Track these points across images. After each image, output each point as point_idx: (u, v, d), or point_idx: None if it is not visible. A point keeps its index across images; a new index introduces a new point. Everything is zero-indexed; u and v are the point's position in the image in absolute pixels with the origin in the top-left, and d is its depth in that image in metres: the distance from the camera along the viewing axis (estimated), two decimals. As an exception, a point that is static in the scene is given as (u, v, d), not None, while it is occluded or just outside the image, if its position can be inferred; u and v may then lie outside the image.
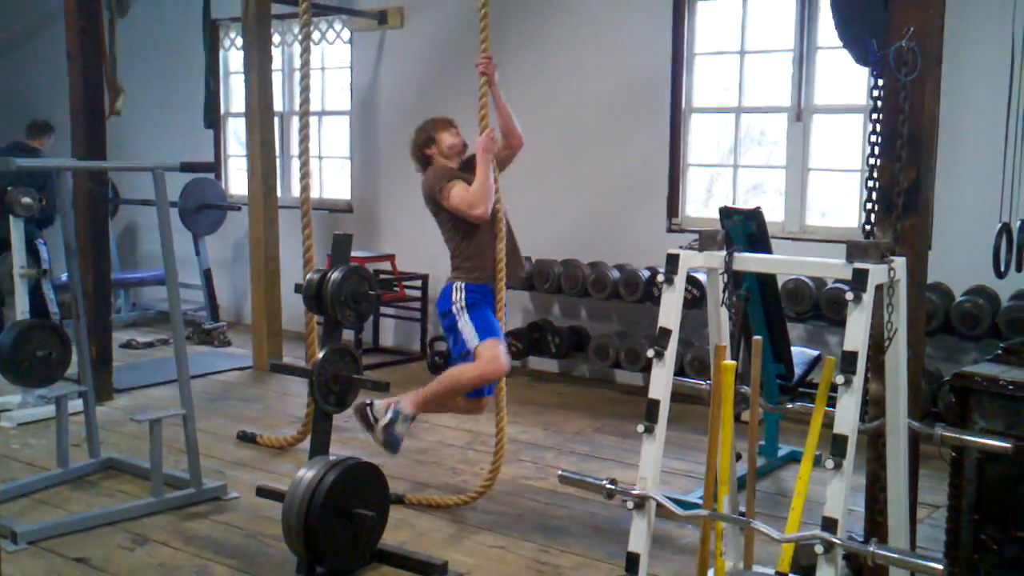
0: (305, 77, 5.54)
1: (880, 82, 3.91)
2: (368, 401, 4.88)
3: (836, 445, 2.85)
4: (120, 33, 7.32)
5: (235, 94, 9.91)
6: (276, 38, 9.10)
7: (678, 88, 7.36)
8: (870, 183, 4.02)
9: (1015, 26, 4.85)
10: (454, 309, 4.93)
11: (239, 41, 9.34)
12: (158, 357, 8.32)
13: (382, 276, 8.35)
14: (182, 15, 9.05)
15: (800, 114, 6.92)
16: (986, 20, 5.99)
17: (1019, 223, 4.75)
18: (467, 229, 4.99)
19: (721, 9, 7.33)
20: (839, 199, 7.09)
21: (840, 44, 4.19)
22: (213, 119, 9.25)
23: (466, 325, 4.88)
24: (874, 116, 3.98)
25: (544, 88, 7.71)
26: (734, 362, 3.39)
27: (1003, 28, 5.30)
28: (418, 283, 8.42)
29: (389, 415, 4.81)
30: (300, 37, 4.94)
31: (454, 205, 4.91)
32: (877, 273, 3.10)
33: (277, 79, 8.83)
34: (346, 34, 9.14)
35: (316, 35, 9.20)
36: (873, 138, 3.96)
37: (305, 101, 5.58)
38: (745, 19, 7.19)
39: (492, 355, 4.82)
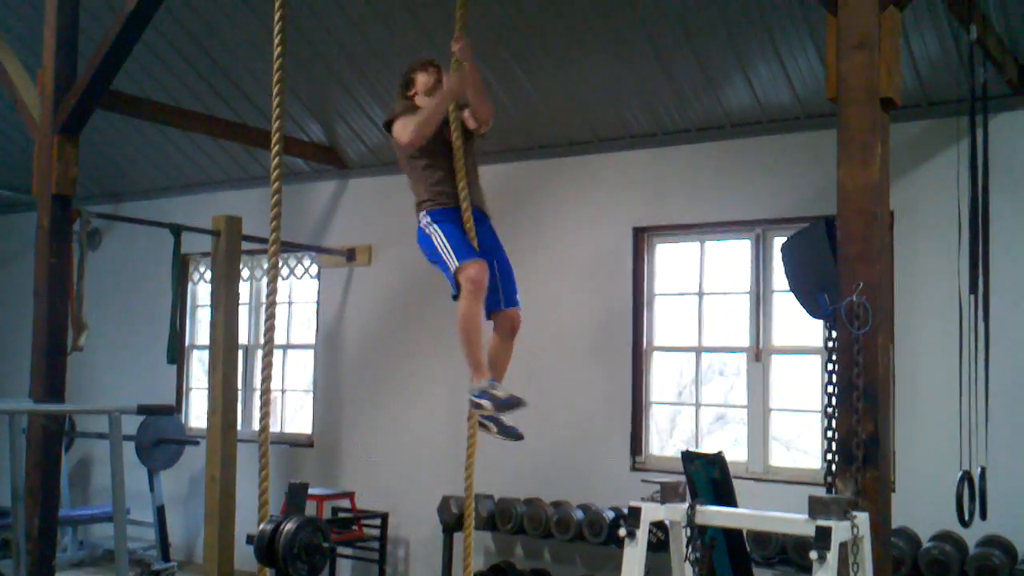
0: (270, 318, 5.55)
1: (834, 333, 3.99)
2: (474, 404, 4.68)
3: None
4: (88, 266, 7.41)
5: (201, 325, 9.96)
6: (245, 272, 9.25)
7: (639, 327, 7.50)
8: (829, 433, 4.04)
9: (960, 279, 5.04)
10: (428, 231, 4.79)
11: (208, 275, 9.47)
12: (103, 600, 7.94)
13: (341, 514, 8.15)
14: (152, 250, 9.21)
15: (759, 354, 7.03)
16: (935, 272, 6.21)
17: (979, 470, 4.76)
18: (426, 161, 4.89)
19: (680, 251, 7.58)
20: (802, 434, 7.12)
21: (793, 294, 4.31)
22: (176, 355, 9.24)
23: (443, 245, 4.72)
24: (829, 367, 4.04)
25: (508, 326, 7.80)
26: (699, 623, 3.28)
27: (950, 280, 5.50)
28: (377, 522, 8.20)
29: (484, 400, 4.61)
30: (269, 278, 5.01)
31: (394, 135, 4.85)
32: (840, 530, 3.07)
33: (244, 312, 8.90)
34: (314, 269, 9.32)
35: (285, 270, 9.37)
36: (830, 388, 4.01)
37: (270, 340, 5.57)
38: (703, 262, 7.42)
39: (469, 276, 4.63)
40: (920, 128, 6.48)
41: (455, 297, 4.78)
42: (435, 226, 4.81)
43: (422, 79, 5.11)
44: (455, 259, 4.68)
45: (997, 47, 5.74)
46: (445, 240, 4.76)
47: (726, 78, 6.86)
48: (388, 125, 5.01)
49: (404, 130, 4.79)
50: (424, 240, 4.89)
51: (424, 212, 4.90)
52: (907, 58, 6.07)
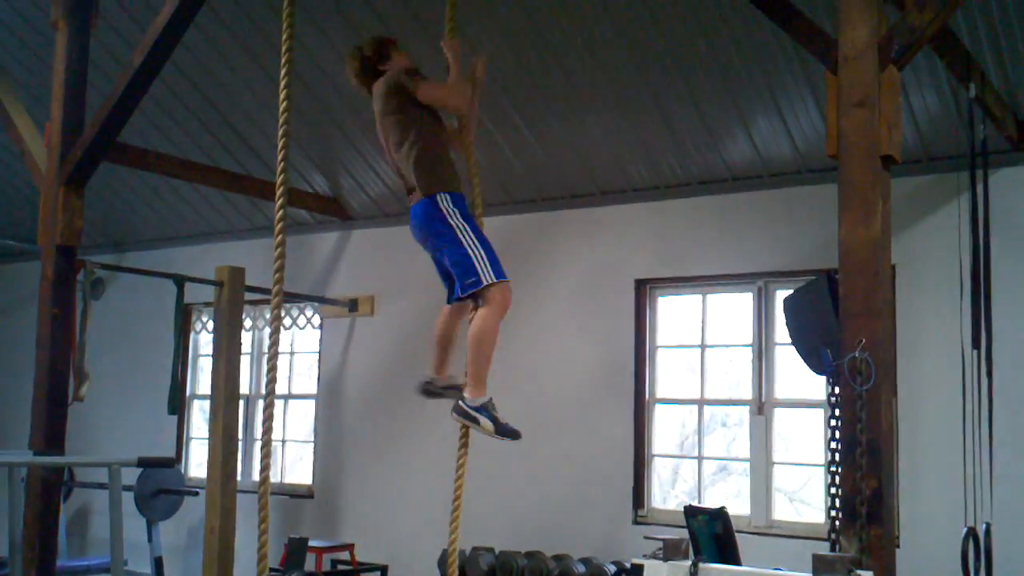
0: (272, 368, 5.54)
1: (837, 388, 3.99)
2: (467, 414, 4.48)
3: None
4: (91, 316, 7.40)
5: (203, 375, 9.94)
6: (247, 322, 9.25)
7: (641, 379, 7.49)
8: (832, 489, 4.01)
9: (962, 334, 5.04)
10: (452, 222, 4.41)
11: (210, 325, 9.48)
12: (98, 654, 7.85)
13: (340, 567, 8.08)
14: (155, 300, 9.23)
15: (761, 407, 7.01)
16: (937, 327, 6.21)
17: (984, 527, 4.72)
18: (434, 131, 4.62)
19: (682, 304, 7.59)
20: (805, 485, 7.07)
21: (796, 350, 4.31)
22: (177, 406, 9.21)
23: (475, 251, 4.38)
24: (832, 422, 4.03)
25: (508, 377, 7.76)
26: None
27: (952, 335, 5.50)
28: (377, 575, 8.12)
29: (483, 416, 4.43)
30: (271, 329, 5.00)
31: (429, 88, 4.57)
32: (845, 590, 3.03)
33: (245, 361, 8.89)
34: (316, 320, 9.32)
35: (287, 320, 9.37)
36: (833, 444, 4.00)
37: (271, 391, 5.54)
38: (705, 314, 7.43)
39: (505, 297, 4.39)
40: (921, 183, 6.52)
41: (456, 299, 4.54)
42: (461, 219, 4.47)
43: (404, 62, 4.78)
44: (492, 274, 4.38)
45: (996, 104, 5.79)
46: (478, 245, 4.44)
47: (727, 132, 6.92)
48: (402, 82, 4.58)
49: (451, 93, 4.58)
50: (441, 226, 4.47)
51: (444, 194, 4.49)
52: (907, 114, 6.13)
